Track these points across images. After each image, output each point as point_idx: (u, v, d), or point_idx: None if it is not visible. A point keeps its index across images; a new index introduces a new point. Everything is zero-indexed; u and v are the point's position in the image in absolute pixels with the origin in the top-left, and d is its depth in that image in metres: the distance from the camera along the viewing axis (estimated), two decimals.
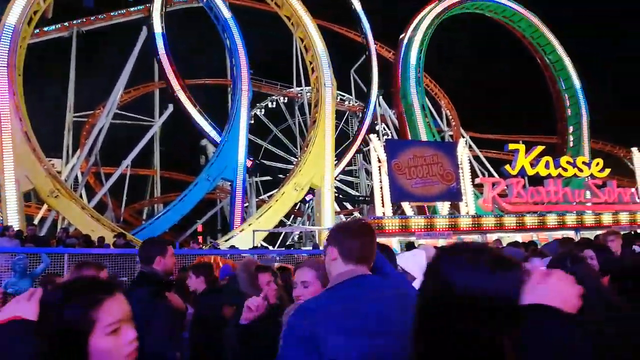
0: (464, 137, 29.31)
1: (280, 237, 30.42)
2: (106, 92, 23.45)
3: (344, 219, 31.26)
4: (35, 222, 20.30)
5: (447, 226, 17.27)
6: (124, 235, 14.52)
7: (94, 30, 27.88)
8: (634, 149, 21.66)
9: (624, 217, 18.85)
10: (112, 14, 27.81)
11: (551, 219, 18.07)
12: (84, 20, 27.59)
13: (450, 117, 32.36)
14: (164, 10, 24.38)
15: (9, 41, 17.55)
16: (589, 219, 18.44)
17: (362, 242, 1.96)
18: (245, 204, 23.05)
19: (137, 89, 28.55)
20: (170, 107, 23.06)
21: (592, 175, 19.49)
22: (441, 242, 15.10)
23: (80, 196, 21.92)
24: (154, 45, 22.84)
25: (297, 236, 28.71)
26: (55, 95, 27.11)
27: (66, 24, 26.77)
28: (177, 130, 28.08)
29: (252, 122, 32.08)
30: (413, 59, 26.76)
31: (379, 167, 18.44)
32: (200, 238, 23.93)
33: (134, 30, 24.92)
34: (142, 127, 26.38)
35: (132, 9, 28.08)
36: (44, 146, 18.60)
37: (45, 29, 25.83)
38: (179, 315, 3.63)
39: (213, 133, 22.26)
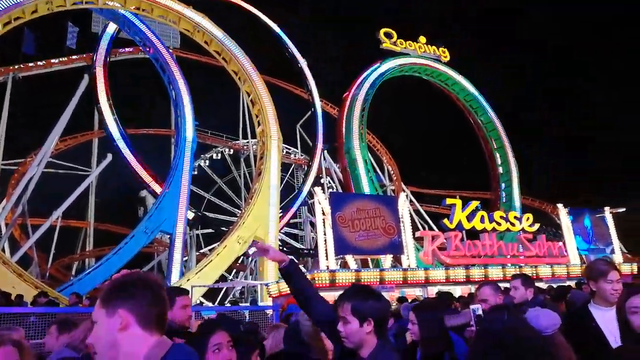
0: (404, 191, 30.28)
1: (221, 293, 29.28)
2: (39, 140, 22.41)
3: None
4: None
5: (400, 279, 17.42)
6: (46, 294, 13.38)
7: (31, 76, 26.97)
8: (560, 205, 23.16)
9: (559, 270, 19.84)
10: (52, 60, 27.15)
11: (493, 272, 18.67)
12: (22, 65, 26.70)
13: (392, 172, 33.48)
14: (108, 58, 24.15)
15: None
16: (528, 271, 19.25)
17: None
18: (185, 258, 22.18)
19: (74, 137, 27.50)
20: (109, 157, 22.31)
21: (523, 230, 20.52)
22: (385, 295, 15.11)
23: (2, 249, 20.24)
24: (94, 93, 22.35)
25: (238, 292, 27.74)
26: None
27: (2, 69, 25.76)
28: (115, 180, 27.08)
29: (196, 173, 31.60)
30: (356, 116, 27.80)
31: (324, 219, 18.49)
32: None
33: (74, 77, 24.36)
34: (77, 177, 25.22)
35: (74, 56, 27.59)
36: None
37: None
38: None
39: (153, 184, 21.63)
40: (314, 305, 2.69)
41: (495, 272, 18.56)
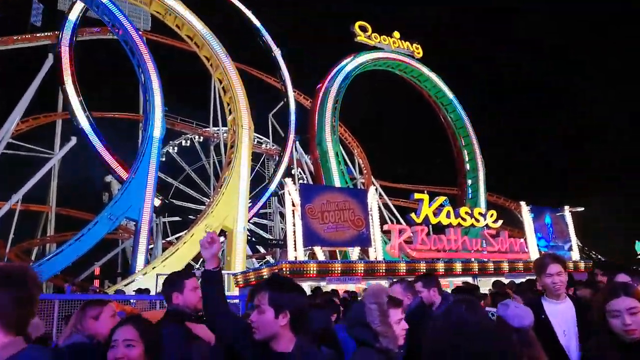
0: (374, 185, 30.58)
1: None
2: (1, 120, 21.50)
3: (255, 263, 30.68)
4: None
5: (363, 271, 17.58)
6: None
7: None
8: (523, 203, 23.87)
9: (520, 265, 20.51)
10: (14, 37, 25.97)
11: (457, 266, 19.13)
12: None
13: (363, 165, 33.73)
14: (74, 37, 23.30)
15: None
16: (490, 266, 19.84)
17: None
18: (151, 246, 21.80)
19: (36, 118, 26.47)
20: (73, 140, 21.62)
21: (487, 226, 21.08)
22: (350, 287, 15.27)
23: None
24: (59, 73, 21.56)
25: None
26: None
27: None
28: (79, 164, 26.26)
29: (164, 159, 31.02)
30: (329, 109, 27.83)
31: (293, 210, 18.50)
32: (96, 282, 22.04)
33: (38, 56, 23.43)
34: (39, 160, 24.34)
35: (38, 34, 26.49)
36: None
37: None
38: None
39: (119, 169, 21.10)
40: (223, 319, 2.45)
41: (458, 267, 19.05)
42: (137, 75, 24.38)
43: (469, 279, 17.54)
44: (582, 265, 22.63)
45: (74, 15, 24.37)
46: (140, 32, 25.29)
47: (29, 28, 28.67)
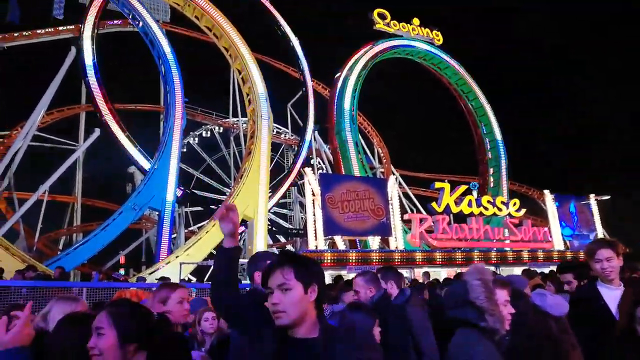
0: (394, 174, 30.41)
1: (210, 271, 29.37)
2: (26, 113, 21.96)
3: (276, 252, 30.90)
4: None
5: (379, 260, 17.57)
6: (34, 268, 13.33)
7: (16, 47, 26.25)
8: (546, 192, 23.49)
9: (540, 255, 20.21)
10: (38, 31, 26.42)
11: (476, 255, 18.98)
12: (7, 35, 25.95)
13: (382, 154, 33.53)
14: (95, 31, 23.59)
15: None
16: (510, 255, 19.61)
17: None
18: (173, 235, 22.15)
19: (61, 110, 26.98)
20: (97, 132, 21.99)
21: (510, 215, 20.82)
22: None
23: None
24: (82, 66, 21.89)
25: None
26: None
27: None
28: (103, 155, 26.74)
29: (185, 150, 31.36)
30: (347, 98, 27.68)
31: (313, 200, 18.57)
32: (122, 270, 22.53)
33: (61, 49, 23.80)
34: (65, 151, 24.85)
35: (61, 27, 26.89)
36: None
37: None
38: None
39: (142, 160, 21.41)
40: (233, 290, 2.26)
41: (477, 256, 18.89)
42: (157, 67, 24.61)
43: (491, 269, 17.39)
44: None
45: (94, 9, 24.66)
46: (159, 24, 25.48)
47: (51, 21, 29.14)
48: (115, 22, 28.81)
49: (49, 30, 26.72)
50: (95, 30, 23.47)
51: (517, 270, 17.68)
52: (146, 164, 21.15)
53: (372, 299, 3.83)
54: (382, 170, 32.49)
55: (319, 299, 1.94)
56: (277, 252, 3.29)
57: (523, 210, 21.34)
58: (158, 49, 23.48)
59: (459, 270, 17.18)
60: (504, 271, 17.16)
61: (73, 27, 25.89)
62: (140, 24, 24.18)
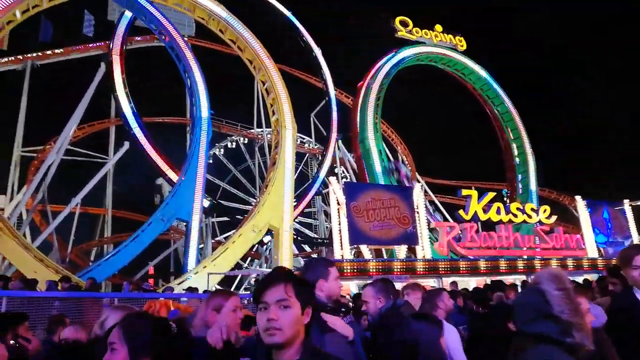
0: (419, 182, 30.11)
1: (237, 281, 29.59)
2: (58, 128, 22.70)
3: (302, 262, 30.94)
4: None
5: (401, 269, 17.38)
6: (69, 279, 13.67)
7: (49, 64, 27.25)
8: (578, 197, 22.85)
9: (570, 263, 19.62)
10: (69, 48, 27.37)
11: (502, 264, 18.56)
12: (40, 53, 26.98)
13: (407, 162, 33.28)
14: (123, 47, 24.26)
15: None
16: (538, 264, 19.09)
17: None
18: (201, 245, 22.41)
19: (91, 125, 27.81)
20: (126, 145, 22.53)
21: (540, 222, 20.32)
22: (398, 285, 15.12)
23: (24, 235, 20.67)
24: (111, 82, 22.52)
25: (253, 279, 28.02)
26: (3, 129, 26.02)
27: (20, 56, 26.07)
28: (132, 168, 27.36)
29: (211, 161, 31.80)
30: (371, 106, 27.63)
31: (338, 209, 18.53)
32: (151, 281, 22.90)
33: (91, 66, 24.57)
34: (95, 165, 25.56)
35: (90, 44, 27.78)
36: None
37: None
38: None
39: (170, 172, 21.81)
40: None
41: (503, 265, 18.45)
42: (183, 80, 25.13)
43: (522, 277, 16.96)
44: None
45: (122, 25, 25.43)
46: (185, 38, 26.05)
47: (82, 39, 30.16)
48: (143, 37, 29.63)
49: (80, 47, 27.66)
50: (124, 46, 24.15)
51: None
52: (174, 176, 21.54)
53: (380, 310, 3.72)
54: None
55: (309, 324, 1.87)
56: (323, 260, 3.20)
57: (554, 217, 20.82)
58: (184, 62, 23.97)
59: (487, 280, 16.83)
60: None
61: (102, 43, 26.72)
62: (167, 38, 24.76)
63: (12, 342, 3.12)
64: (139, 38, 29.50)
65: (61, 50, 27.45)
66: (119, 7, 27.35)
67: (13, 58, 25.72)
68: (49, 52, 27.44)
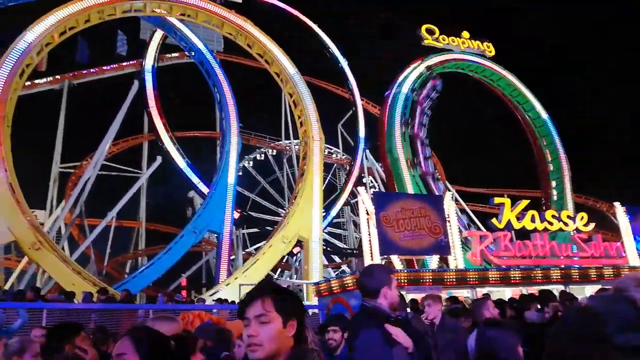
0: (449, 190, 29.65)
1: None
2: (94, 144, 23.50)
3: (332, 273, 30.85)
4: (14, 275, 19.62)
5: (431, 280, 17.03)
6: (106, 290, 14.03)
7: (85, 83, 28.33)
8: (617, 204, 22.00)
9: (609, 272, 18.85)
10: (104, 67, 28.40)
11: (536, 273, 17.97)
12: (76, 73, 28.11)
13: (437, 171, 32.86)
14: (155, 64, 25.01)
15: None
16: (575, 273, 18.40)
17: None
18: (232, 257, 22.66)
19: (125, 140, 28.67)
20: (159, 159, 23.10)
21: (577, 230, 19.65)
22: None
23: (63, 248, 21.38)
24: (144, 98, 23.20)
25: None
26: (42, 147, 27.12)
27: (58, 76, 27.21)
28: (164, 182, 28.03)
29: (240, 174, 32.23)
30: (398, 115, 27.49)
31: (367, 219, 18.41)
32: (184, 292, 23.26)
33: (124, 83, 25.39)
34: (129, 179, 26.28)
35: (124, 62, 28.74)
36: (28, 197, 18.31)
37: (37, 81, 26.20)
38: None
39: (201, 185, 22.22)
40: None
41: (545, 274, 17.85)
42: (213, 95, 25.67)
43: (560, 287, 16.40)
44: None
45: (154, 44, 26.24)
46: (214, 54, 26.66)
47: (116, 58, 31.28)
48: (174, 55, 30.47)
49: (114, 66, 28.66)
50: (156, 63, 24.89)
51: (588, 289, 16.59)
52: (205, 189, 21.93)
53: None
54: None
55: (297, 336, 1.86)
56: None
57: (592, 225, 20.08)
58: (213, 77, 24.52)
59: (523, 290, 16.33)
60: (573, 290, 16.14)
61: (135, 62, 27.60)
62: (196, 55, 25.41)
63: (70, 352, 3.23)
64: (169, 55, 30.35)
65: (96, 69, 28.53)
66: (150, 27, 28.27)
67: (52, 78, 26.86)
68: (85, 71, 28.59)
